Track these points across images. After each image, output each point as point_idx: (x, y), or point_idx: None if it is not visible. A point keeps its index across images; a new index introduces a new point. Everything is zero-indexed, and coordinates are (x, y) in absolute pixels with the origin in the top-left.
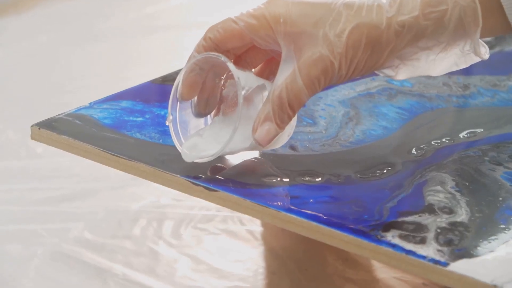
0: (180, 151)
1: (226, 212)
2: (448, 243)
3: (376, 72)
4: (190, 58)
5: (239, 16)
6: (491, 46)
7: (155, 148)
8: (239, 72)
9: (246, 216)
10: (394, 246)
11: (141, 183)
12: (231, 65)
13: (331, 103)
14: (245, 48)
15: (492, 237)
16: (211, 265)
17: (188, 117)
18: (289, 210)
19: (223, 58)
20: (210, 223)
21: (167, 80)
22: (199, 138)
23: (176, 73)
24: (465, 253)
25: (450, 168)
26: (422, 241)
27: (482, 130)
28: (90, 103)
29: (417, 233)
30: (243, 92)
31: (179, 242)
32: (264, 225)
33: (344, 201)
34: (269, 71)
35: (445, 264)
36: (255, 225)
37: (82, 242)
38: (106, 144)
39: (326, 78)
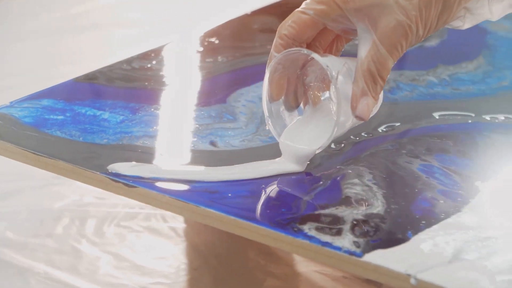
0: (283, 150)
1: (149, 209)
2: (364, 234)
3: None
4: (270, 58)
5: (305, 6)
6: None
7: (76, 146)
8: (325, 59)
9: (169, 213)
10: (310, 238)
11: (64, 182)
12: (316, 56)
13: (252, 99)
14: (316, 34)
15: (407, 228)
16: (134, 262)
17: (282, 114)
18: (208, 205)
19: (305, 51)
20: (133, 220)
21: (89, 78)
22: (296, 130)
23: (99, 71)
24: (380, 243)
25: (368, 162)
26: (338, 233)
27: (399, 124)
28: (11, 102)
29: (333, 225)
30: (336, 77)
31: (101, 240)
32: (186, 221)
33: (262, 195)
34: (335, 49)
35: (360, 255)
36: (178, 222)
37: (3, 242)
38: (26, 142)
39: (406, 42)
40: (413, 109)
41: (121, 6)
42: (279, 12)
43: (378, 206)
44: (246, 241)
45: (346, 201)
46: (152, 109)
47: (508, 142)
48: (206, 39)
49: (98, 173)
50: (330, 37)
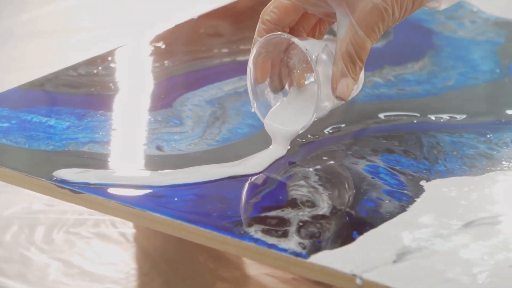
0: (268, 130)
1: (98, 215)
2: (310, 235)
3: (423, 7)
4: (254, 43)
5: None
6: None
7: (22, 153)
8: (305, 43)
9: (118, 219)
10: (256, 240)
11: (13, 189)
12: (296, 40)
13: (198, 103)
14: (298, 18)
15: (353, 228)
16: (83, 269)
17: (268, 96)
18: (154, 209)
19: (286, 35)
20: (82, 227)
21: (34, 86)
22: (280, 112)
23: (44, 78)
24: (326, 244)
25: (314, 163)
26: (284, 234)
27: (345, 125)
28: None
29: (279, 227)
30: (315, 60)
31: (51, 247)
32: (136, 226)
33: (209, 199)
34: (318, 32)
35: (306, 256)
36: (128, 228)
37: None
38: None
39: (383, 24)
40: (359, 110)
41: (71, 13)
42: (226, 16)
43: (323, 207)
44: (196, 246)
45: (292, 203)
46: (98, 115)
47: (453, 141)
48: (153, 44)
49: (44, 180)
50: (312, 21)
